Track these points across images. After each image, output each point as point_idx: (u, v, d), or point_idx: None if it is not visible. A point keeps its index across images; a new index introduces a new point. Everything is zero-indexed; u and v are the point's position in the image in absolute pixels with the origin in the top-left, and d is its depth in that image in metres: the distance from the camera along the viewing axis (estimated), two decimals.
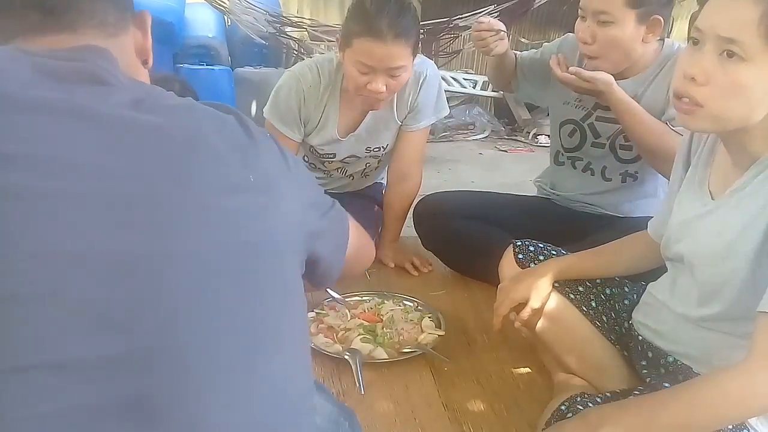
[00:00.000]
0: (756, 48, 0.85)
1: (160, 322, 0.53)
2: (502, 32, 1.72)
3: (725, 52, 0.87)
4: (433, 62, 1.94)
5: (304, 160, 2.05)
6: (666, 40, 1.66)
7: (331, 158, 1.97)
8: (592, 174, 1.84)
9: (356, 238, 0.88)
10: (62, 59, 0.60)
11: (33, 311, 0.49)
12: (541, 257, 1.35)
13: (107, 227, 0.53)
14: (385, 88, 1.67)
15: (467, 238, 1.90)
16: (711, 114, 0.92)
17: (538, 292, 1.24)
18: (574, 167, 1.87)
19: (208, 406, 0.54)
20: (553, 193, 1.95)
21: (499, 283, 1.43)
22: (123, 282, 0.52)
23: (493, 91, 4.73)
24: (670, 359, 1.07)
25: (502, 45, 1.74)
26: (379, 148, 1.97)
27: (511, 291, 1.26)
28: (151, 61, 0.75)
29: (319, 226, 0.74)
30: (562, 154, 1.89)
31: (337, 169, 2.04)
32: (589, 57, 1.61)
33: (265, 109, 1.86)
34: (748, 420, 0.92)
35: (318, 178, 2.10)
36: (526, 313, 1.25)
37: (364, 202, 2.15)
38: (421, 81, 1.86)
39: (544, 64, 1.84)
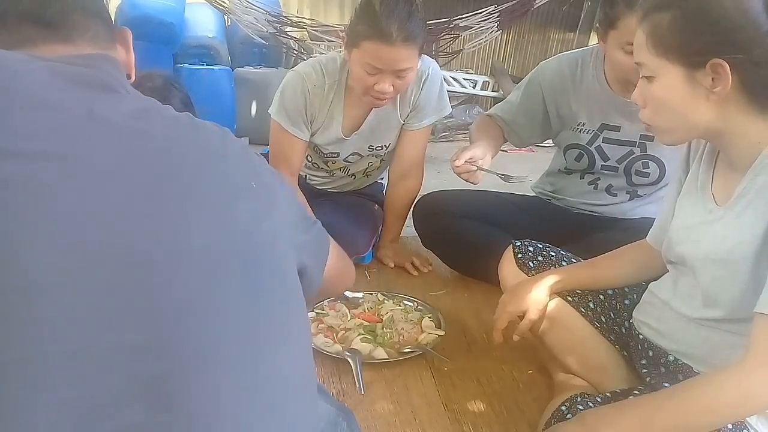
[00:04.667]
0: (655, 64, 0.96)
1: (172, 312, 0.55)
2: (479, 161, 1.60)
3: (644, 75, 0.99)
4: (434, 61, 1.94)
5: (307, 160, 2.05)
6: None
7: (335, 157, 1.97)
8: (596, 189, 1.83)
9: (337, 259, 0.90)
10: (76, 65, 0.63)
11: (50, 300, 0.51)
12: (540, 257, 1.36)
13: (123, 224, 0.55)
14: (392, 88, 1.68)
15: (467, 237, 1.90)
16: (660, 129, 1.02)
17: (535, 304, 1.24)
18: (582, 178, 1.85)
19: (219, 393, 0.56)
20: (553, 197, 1.94)
21: (498, 283, 1.44)
22: (138, 275, 0.54)
23: (493, 90, 4.73)
24: (671, 358, 1.07)
25: (485, 163, 1.63)
26: (382, 146, 1.97)
27: (508, 304, 1.27)
28: (134, 77, 0.78)
29: (304, 239, 0.77)
30: (568, 171, 1.87)
31: (340, 168, 2.04)
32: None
33: (271, 111, 1.86)
34: (749, 420, 0.92)
35: (320, 177, 2.11)
36: (524, 326, 1.25)
37: (365, 201, 2.16)
38: (423, 79, 1.86)
39: (531, 105, 1.80)
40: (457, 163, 1.59)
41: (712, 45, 0.90)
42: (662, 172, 1.71)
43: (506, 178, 1.65)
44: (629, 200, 1.81)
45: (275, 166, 0.76)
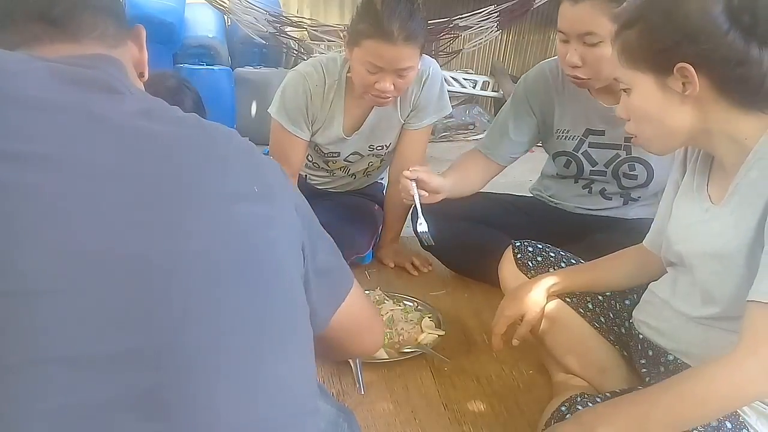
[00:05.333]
0: (628, 76, 1.00)
1: (170, 320, 0.54)
2: (424, 192, 1.59)
3: (621, 88, 1.02)
4: (435, 61, 1.94)
5: (308, 160, 2.05)
6: None
7: (335, 157, 1.97)
8: (590, 192, 1.82)
9: (360, 307, 0.83)
10: (76, 65, 0.62)
11: (47, 307, 0.50)
12: (540, 258, 1.36)
13: (121, 228, 0.54)
14: (393, 87, 1.68)
15: (466, 240, 1.88)
16: (644, 138, 1.04)
17: (533, 306, 1.24)
18: (576, 182, 1.84)
19: (216, 402, 0.55)
20: (550, 200, 1.93)
21: (498, 284, 1.44)
22: (136, 281, 0.53)
23: (493, 91, 4.73)
24: (670, 357, 1.07)
25: (433, 198, 1.62)
26: (383, 146, 1.98)
27: (506, 308, 1.28)
28: (147, 75, 0.77)
29: (316, 254, 0.71)
30: (561, 176, 1.86)
31: (341, 168, 2.04)
32: (580, 79, 1.56)
33: (271, 110, 1.86)
34: (748, 420, 0.92)
35: (320, 177, 2.11)
36: (524, 329, 1.26)
37: (365, 201, 2.16)
38: (424, 79, 1.86)
39: (522, 118, 1.78)
40: (407, 173, 1.58)
41: (676, 49, 0.93)
42: (650, 173, 1.70)
43: (420, 229, 1.66)
44: (624, 204, 1.80)
45: None
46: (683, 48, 0.92)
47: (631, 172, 1.71)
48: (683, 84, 0.94)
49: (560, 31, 1.54)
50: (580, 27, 1.49)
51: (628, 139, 1.66)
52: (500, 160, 1.83)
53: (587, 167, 1.76)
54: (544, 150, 1.89)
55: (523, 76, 1.83)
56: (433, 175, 1.63)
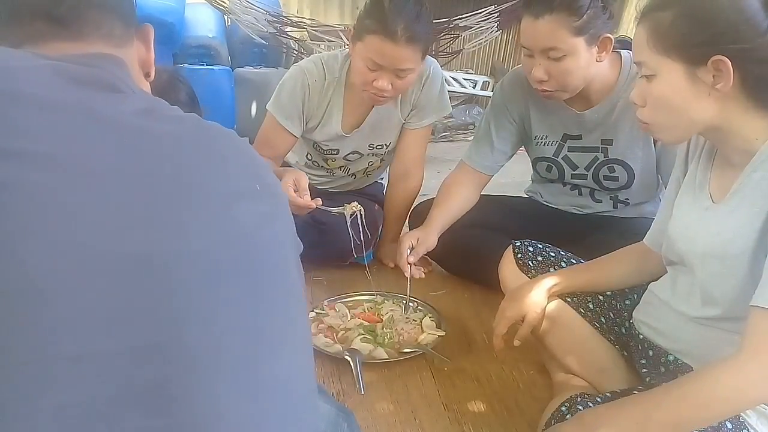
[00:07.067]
0: (654, 62, 0.96)
1: (172, 317, 0.55)
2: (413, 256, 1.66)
3: (644, 74, 0.99)
4: (435, 61, 1.94)
5: (307, 159, 2.05)
6: (623, 53, 1.60)
7: (334, 154, 1.97)
8: (580, 194, 1.82)
9: None
10: (79, 64, 0.62)
11: (52, 304, 0.50)
12: (540, 257, 1.36)
13: (123, 227, 0.54)
14: (390, 86, 1.68)
15: (464, 244, 1.87)
16: (660, 127, 1.01)
17: (533, 307, 1.24)
18: (564, 185, 1.84)
19: (218, 398, 0.56)
20: (546, 203, 1.92)
21: (497, 286, 1.44)
22: (138, 279, 0.54)
23: (492, 91, 4.74)
24: (671, 358, 1.07)
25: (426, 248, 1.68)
26: (382, 145, 1.98)
27: (507, 309, 1.27)
28: (153, 75, 0.77)
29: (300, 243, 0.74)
30: (548, 179, 1.86)
31: (340, 167, 2.05)
32: (548, 92, 1.56)
33: (268, 103, 1.86)
34: (748, 420, 0.92)
35: (320, 176, 2.11)
36: (525, 330, 1.25)
37: (365, 201, 2.15)
38: (424, 79, 1.87)
39: (503, 125, 1.77)
40: (410, 259, 1.65)
41: (714, 42, 0.91)
42: (630, 174, 1.68)
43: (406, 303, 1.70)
44: (614, 207, 1.80)
45: (258, 150, 0.75)
46: (722, 42, 0.90)
47: (611, 174, 1.70)
48: (713, 77, 0.92)
49: (523, 46, 1.54)
50: (542, 42, 1.49)
51: (603, 142, 1.67)
52: (488, 171, 1.83)
53: (568, 171, 1.76)
54: (527, 155, 1.89)
55: (498, 83, 1.82)
56: (429, 242, 1.68)
